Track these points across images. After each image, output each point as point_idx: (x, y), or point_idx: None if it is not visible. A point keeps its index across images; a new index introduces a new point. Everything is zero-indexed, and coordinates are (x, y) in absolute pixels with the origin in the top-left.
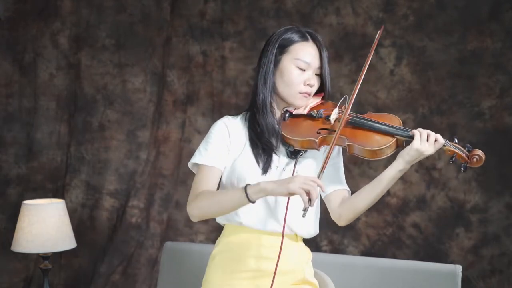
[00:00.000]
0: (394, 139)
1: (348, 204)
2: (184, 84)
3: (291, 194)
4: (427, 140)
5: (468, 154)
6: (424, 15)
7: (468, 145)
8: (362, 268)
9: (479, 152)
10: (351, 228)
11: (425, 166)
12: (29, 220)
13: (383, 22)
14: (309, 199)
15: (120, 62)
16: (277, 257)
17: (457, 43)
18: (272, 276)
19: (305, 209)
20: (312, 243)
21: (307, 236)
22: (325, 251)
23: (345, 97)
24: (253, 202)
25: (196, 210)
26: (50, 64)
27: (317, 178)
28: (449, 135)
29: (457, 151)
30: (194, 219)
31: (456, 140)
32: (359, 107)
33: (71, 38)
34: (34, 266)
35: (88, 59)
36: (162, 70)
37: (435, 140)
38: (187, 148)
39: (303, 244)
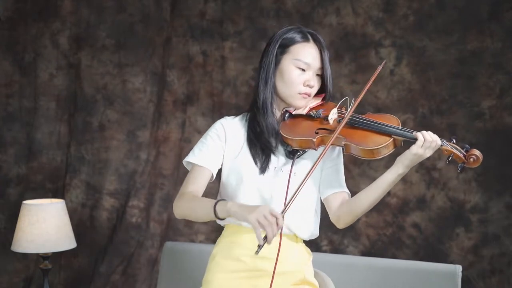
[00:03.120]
0: (391, 139)
1: (347, 207)
2: (184, 84)
3: (247, 222)
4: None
5: (465, 154)
6: (424, 15)
7: (467, 145)
8: (362, 268)
9: (476, 152)
10: (351, 228)
11: (425, 166)
12: (29, 220)
13: (383, 22)
14: (265, 237)
15: (120, 62)
16: (276, 258)
17: (457, 43)
18: (271, 276)
19: (258, 246)
20: (312, 243)
21: (306, 238)
22: (325, 251)
23: (346, 99)
24: (221, 219)
25: (177, 209)
26: (50, 64)
27: (281, 214)
28: (449, 135)
29: (454, 151)
30: (176, 216)
31: (454, 140)
32: (359, 107)
33: (71, 38)
34: (34, 266)
35: (88, 59)
36: (162, 70)
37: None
38: (187, 148)
39: (303, 245)
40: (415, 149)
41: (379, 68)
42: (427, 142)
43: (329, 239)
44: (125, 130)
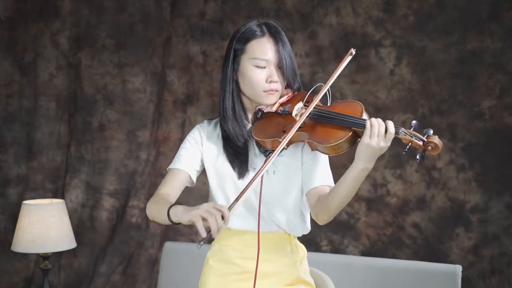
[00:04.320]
0: (351, 132)
1: (321, 204)
2: (184, 84)
3: (190, 221)
4: (377, 134)
5: (425, 140)
6: (424, 15)
7: (430, 130)
8: (362, 268)
9: (435, 140)
10: (351, 228)
11: (425, 166)
12: (29, 220)
13: (383, 22)
14: (210, 230)
15: (120, 62)
16: (256, 258)
17: (457, 43)
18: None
19: (202, 239)
20: (312, 243)
21: (299, 234)
22: (325, 251)
23: (318, 85)
24: (175, 224)
25: (148, 211)
26: (50, 64)
27: (226, 208)
28: (449, 135)
29: (413, 139)
30: (149, 217)
31: (414, 127)
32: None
33: (71, 38)
34: (34, 266)
35: (88, 59)
36: (162, 70)
37: (386, 131)
38: None
39: (297, 242)
40: (365, 138)
41: (347, 57)
42: (374, 128)
43: (329, 239)
44: (125, 130)
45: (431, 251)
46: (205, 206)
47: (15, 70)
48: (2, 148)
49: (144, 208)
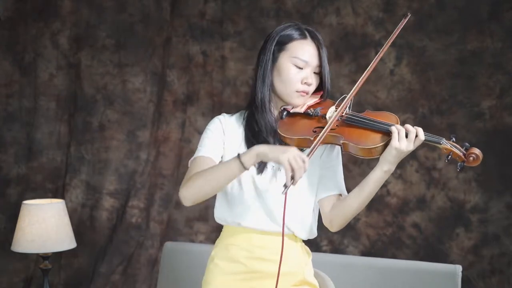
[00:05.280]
0: (390, 138)
1: (338, 210)
2: (184, 84)
3: (278, 163)
4: (406, 137)
5: (465, 152)
6: (424, 15)
7: (467, 143)
8: (362, 268)
9: (476, 151)
10: (351, 228)
11: (425, 166)
12: (29, 220)
13: (383, 22)
14: (292, 177)
15: (120, 62)
16: (280, 258)
17: (457, 43)
18: (274, 278)
19: (285, 186)
20: (312, 243)
21: (305, 237)
22: (325, 251)
23: (344, 96)
24: (248, 169)
25: (190, 190)
26: (50, 64)
27: (308, 158)
28: (449, 135)
29: (454, 149)
30: (187, 202)
31: (453, 139)
32: (359, 107)
33: (71, 38)
34: (34, 266)
35: (88, 59)
36: (162, 70)
37: (416, 136)
38: (187, 148)
39: (303, 244)
40: (394, 143)
41: (404, 21)
42: (401, 132)
43: (329, 239)
44: (125, 130)
45: (431, 251)
46: (293, 152)
47: (15, 70)
48: (2, 148)
49: (144, 208)
